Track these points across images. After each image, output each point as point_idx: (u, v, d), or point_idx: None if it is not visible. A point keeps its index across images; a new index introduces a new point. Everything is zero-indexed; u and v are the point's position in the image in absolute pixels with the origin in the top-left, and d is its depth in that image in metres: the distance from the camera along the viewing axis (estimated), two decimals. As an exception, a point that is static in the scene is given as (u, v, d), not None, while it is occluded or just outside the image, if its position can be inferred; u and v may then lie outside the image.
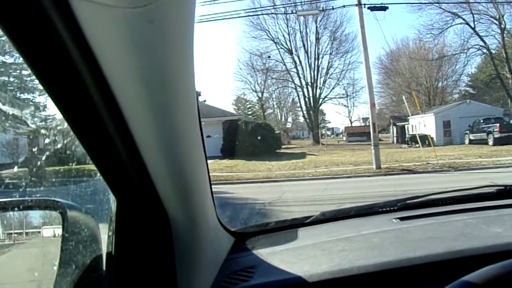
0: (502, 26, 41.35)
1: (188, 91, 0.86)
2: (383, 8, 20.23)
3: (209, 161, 1.23)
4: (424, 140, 24.40)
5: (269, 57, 52.72)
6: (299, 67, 52.48)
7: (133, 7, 0.59)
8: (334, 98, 58.09)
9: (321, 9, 32.04)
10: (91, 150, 0.87)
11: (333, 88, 55.51)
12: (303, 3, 40.60)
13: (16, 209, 1.38)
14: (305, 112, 55.26)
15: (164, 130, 0.86)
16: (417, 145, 25.20)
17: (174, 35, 0.70)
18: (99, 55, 0.67)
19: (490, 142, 28.00)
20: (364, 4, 19.27)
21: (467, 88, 54.47)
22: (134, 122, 0.81)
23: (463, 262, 1.20)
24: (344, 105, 65.36)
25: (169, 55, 0.72)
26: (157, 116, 0.82)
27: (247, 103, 62.39)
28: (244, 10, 38.71)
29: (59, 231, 1.28)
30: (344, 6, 25.33)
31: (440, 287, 1.00)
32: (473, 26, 42.72)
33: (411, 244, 1.37)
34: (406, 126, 41.88)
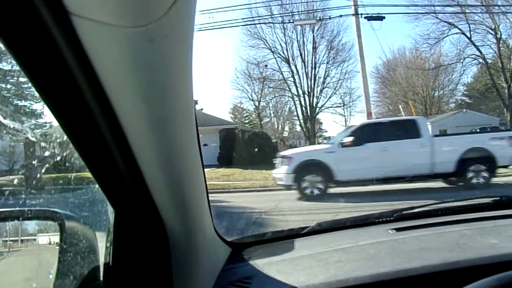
0: (498, 36, 41.53)
1: (186, 105, 0.87)
2: (380, 18, 20.34)
3: (206, 170, 1.23)
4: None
5: (266, 66, 52.66)
6: (296, 76, 52.32)
7: (134, 27, 0.60)
8: (331, 107, 57.90)
9: (318, 18, 32.20)
10: (90, 161, 0.88)
11: (330, 97, 55.28)
12: (300, 12, 40.75)
13: (15, 219, 1.38)
14: (302, 121, 55.03)
15: (162, 143, 0.87)
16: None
17: (174, 53, 0.71)
18: (99, 72, 0.68)
19: (487, 152, 28.03)
20: (361, 14, 19.42)
21: (464, 98, 54.60)
22: (132, 135, 0.82)
23: (459, 273, 1.20)
24: (341, 114, 65.21)
25: (168, 72, 0.73)
26: (155, 130, 0.83)
27: (244, 111, 62.32)
28: (242, 19, 38.71)
29: (55, 239, 1.28)
30: (341, 16, 25.39)
31: None
32: (469, 36, 42.88)
33: (407, 255, 1.38)
34: (402, 135, 41.86)
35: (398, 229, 1.69)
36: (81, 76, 0.68)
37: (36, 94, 0.70)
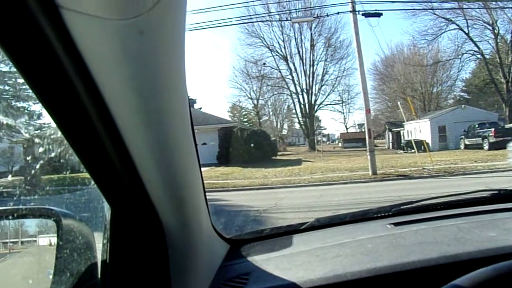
0: (496, 31, 41.66)
1: (180, 99, 0.86)
2: (377, 14, 20.28)
3: (205, 169, 1.23)
4: (420, 145, 24.44)
5: (264, 64, 52.87)
6: (294, 74, 52.67)
7: (124, 19, 0.60)
8: (330, 104, 58.37)
9: (315, 16, 32.22)
10: (85, 159, 0.88)
11: (328, 95, 55.76)
12: (297, 10, 40.78)
13: (10, 217, 1.38)
14: (300, 118, 55.38)
15: (156, 138, 0.87)
16: (413, 151, 25.30)
17: (165, 44, 0.71)
18: (91, 65, 0.68)
19: (485, 147, 28.16)
20: (359, 11, 19.37)
21: (462, 93, 54.76)
22: (126, 130, 0.81)
23: (457, 266, 1.20)
24: (340, 112, 65.80)
25: (160, 64, 0.73)
26: (149, 124, 0.83)
27: (243, 110, 62.55)
28: (239, 17, 38.78)
29: (54, 239, 1.28)
30: (338, 13, 25.43)
31: None
32: (467, 31, 43.04)
33: (405, 249, 1.38)
34: (401, 132, 42.04)
35: (396, 224, 1.69)
36: (72, 70, 0.67)
37: (33, 94, 0.70)
